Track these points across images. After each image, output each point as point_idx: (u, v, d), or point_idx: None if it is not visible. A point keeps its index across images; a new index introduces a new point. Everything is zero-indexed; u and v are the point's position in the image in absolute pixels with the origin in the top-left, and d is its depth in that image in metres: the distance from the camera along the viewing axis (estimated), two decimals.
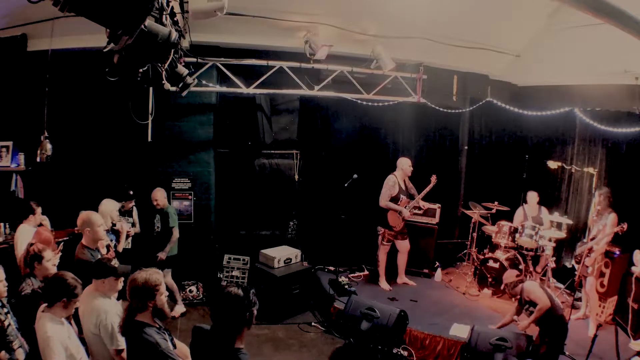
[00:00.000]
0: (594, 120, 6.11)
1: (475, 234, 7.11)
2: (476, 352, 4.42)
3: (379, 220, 6.44)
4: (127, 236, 5.46)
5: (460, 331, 5.07)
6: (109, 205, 5.02)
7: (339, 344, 5.35)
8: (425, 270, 7.09)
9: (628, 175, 5.81)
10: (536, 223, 6.27)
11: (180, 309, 5.87)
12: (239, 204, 7.24)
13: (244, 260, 6.83)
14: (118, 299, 3.34)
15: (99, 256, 3.82)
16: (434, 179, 6.29)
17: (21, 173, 5.86)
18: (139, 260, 4.84)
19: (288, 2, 5.11)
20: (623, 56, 4.60)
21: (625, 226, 4.86)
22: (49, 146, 4.26)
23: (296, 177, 7.49)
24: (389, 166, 6.70)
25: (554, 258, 6.24)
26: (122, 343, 2.97)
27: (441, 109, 7.08)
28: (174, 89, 4.50)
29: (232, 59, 5.90)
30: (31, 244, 3.57)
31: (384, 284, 6.55)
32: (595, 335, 4.24)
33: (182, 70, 4.18)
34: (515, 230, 6.35)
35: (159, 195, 5.76)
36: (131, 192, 5.73)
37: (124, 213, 5.67)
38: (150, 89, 5.54)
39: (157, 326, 2.75)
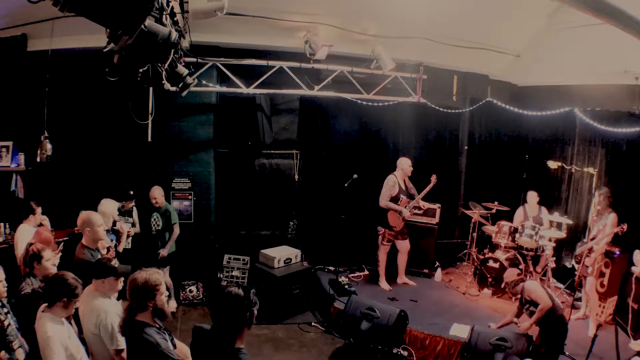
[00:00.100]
0: (594, 120, 6.11)
1: (475, 234, 7.11)
2: (476, 352, 4.42)
3: (379, 220, 6.44)
4: (127, 236, 5.46)
5: (460, 331, 5.07)
6: (109, 206, 5.02)
7: (339, 344, 5.34)
8: (425, 270, 7.09)
9: (628, 175, 5.82)
10: (536, 223, 6.27)
11: (172, 304, 5.88)
12: (239, 204, 7.24)
13: (244, 260, 6.83)
14: (118, 299, 3.34)
15: (99, 256, 3.82)
16: (434, 178, 6.29)
17: (21, 173, 5.86)
18: (139, 260, 4.85)
19: (288, 2, 5.11)
20: (623, 56, 4.60)
21: (625, 227, 4.86)
22: (49, 146, 4.27)
23: (296, 177, 7.48)
24: (389, 166, 6.70)
25: (554, 258, 6.23)
26: (122, 343, 2.97)
27: (441, 109, 7.08)
28: (174, 89, 4.49)
29: (232, 59, 5.90)
30: (30, 244, 3.57)
31: (384, 284, 6.55)
32: (595, 335, 4.24)
33: (182, 70, 4.17)
34: (515, 230, 6.35)
35: (157, 194, 5.78)
36: (131, 192, 5.73)
37: (124, 213, 5.67)
38: (150, 89, 5.54)
39: (157, 326, 2.75)
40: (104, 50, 2.52)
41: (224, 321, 2.33)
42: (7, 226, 5.51)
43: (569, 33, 5.09)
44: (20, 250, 4.11)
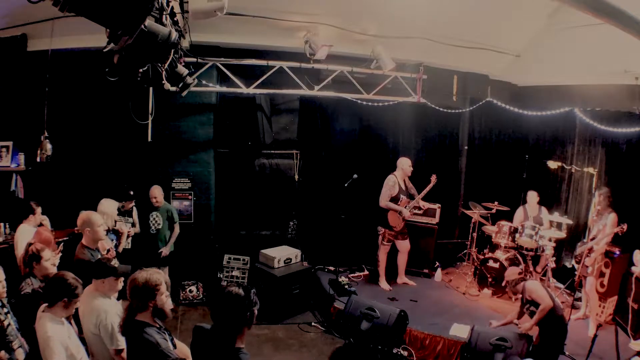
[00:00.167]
0: (594, 120, 6.11)
1: (475, 234, 7.11)
2: (476, 352, 4.41)
3: (379, 220, 6.44)
4: (127, 236, 5.46)
5: (460, 331, 5.07)
6: (109, 206, 5.02)
7: (339, 344, 5.34)
8: (425, 270, 7.09)
9: (628, 175, 5.81)
10: (536, 223, 6.26)
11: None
12: (239, 204, 7.24)
13: (244, 260, 6.83)
14: (118, 298, 3.34)
15: (99, 256, 3.82)
16: (434, 178, 6.29)
17: (21, 173, 5.86)
18: (139, 260, 4.85)
19: (288, 2, 5.10)
20: (623, 56, 4.59)
21: (625, 227, 4.86)
22: (49, 146, 4.26)
23: (296, 177, 7.48)
24: (389, 166, 6.70)
25: (554, 258, 6.23)
26: (122, 343, 2.97)
27: (441, 109, 7.08)
28: (174, 89, 4.49)
29: (232, 59, 5.90)
30: (30, 244, 3.57)
31: (384, 284, 6.55)
32: (595, 335, 4.25)
33: (182, 70, 4.17)
34: (515, 230, 6.35)
35: (157, 193, 5.79)
36: (131, 192, 5.73)
37: (124, 213, 5.66)
38: (150, 89, 5.54)
39: (158, 326, 2.75)
40: (104, 50, 2.51)
41: (225, 321, 2.33)
42: (7, 226, 5.51)
43: (569, 33, 5.09)
44: (20, 250, 4.12)
